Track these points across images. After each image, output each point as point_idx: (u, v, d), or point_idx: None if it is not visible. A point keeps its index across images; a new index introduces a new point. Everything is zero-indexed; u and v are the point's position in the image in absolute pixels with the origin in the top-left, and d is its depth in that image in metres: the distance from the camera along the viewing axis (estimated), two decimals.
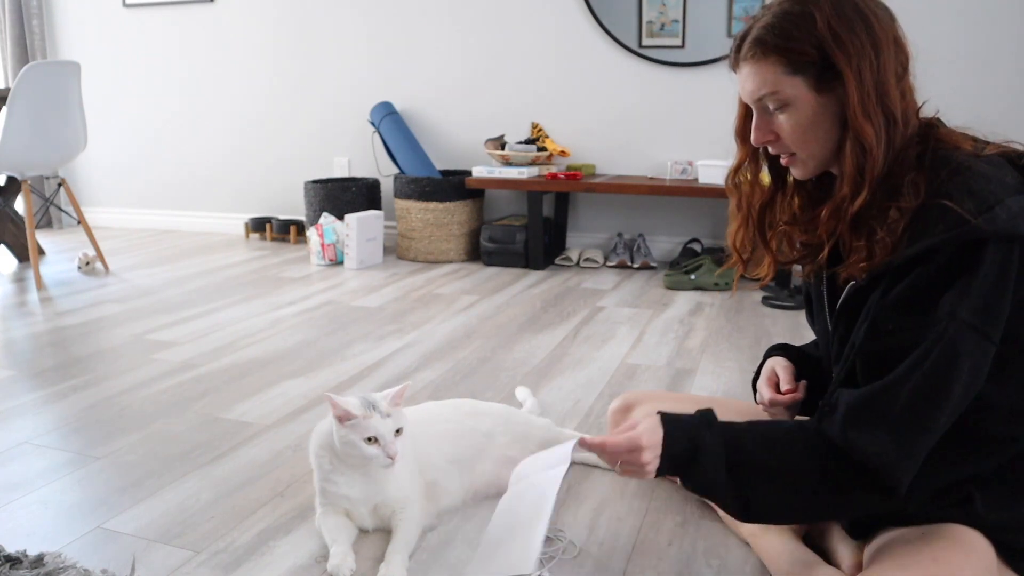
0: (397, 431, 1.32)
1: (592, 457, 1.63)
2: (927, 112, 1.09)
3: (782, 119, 1.08)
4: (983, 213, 0.93)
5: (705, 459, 1.06)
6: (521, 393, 1.97)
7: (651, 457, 1.07)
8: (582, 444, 1.14)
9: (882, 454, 0.98)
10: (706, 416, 1.10)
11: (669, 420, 1.10)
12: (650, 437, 1.08)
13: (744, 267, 1.25)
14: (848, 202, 1.04)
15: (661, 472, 1.09)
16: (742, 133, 1.19)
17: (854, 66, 1.01)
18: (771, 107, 1.08)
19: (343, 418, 1.31)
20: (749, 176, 1.21)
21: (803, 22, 1.02)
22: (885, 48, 1.02)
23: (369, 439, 1.29)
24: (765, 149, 1.17)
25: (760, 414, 1.46)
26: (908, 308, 0.98)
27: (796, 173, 1.14)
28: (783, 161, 1.14)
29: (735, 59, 1.12)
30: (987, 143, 1.06)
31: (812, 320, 1.31)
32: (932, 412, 0.96)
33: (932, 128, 1.07)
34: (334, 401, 1.30)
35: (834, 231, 1.08)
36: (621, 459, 1.09)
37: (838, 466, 1.01)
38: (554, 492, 1.14)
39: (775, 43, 1.04)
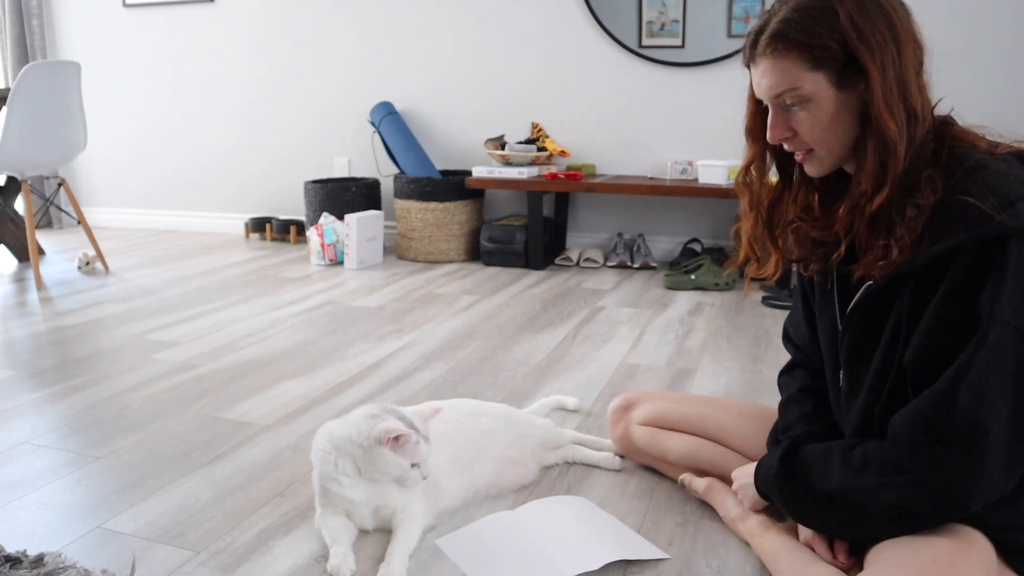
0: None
1: (592, 456, 1.63)
2: (941, 109, 1.08)
3: (801, 115, 1.06)
4: (1006, 209, 0.93)
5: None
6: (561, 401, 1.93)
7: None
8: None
9: (951, 471, 0.97)
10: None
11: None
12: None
13: (758, 265, 1.24)
14: (868, 199, 1.03)
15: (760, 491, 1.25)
16: (754, 130, 1.17)
17: (877, 62, 0.99)
18: (789, 103, 1.06)
19: (396, 443, 1.31)
20: (757, 174, 1.20)
21: (825, 17, 1.01)
22: (905, 43, 1.01)
23: (414, 463, 1.33)
24: (774, 146, 1.15)
25: (755, 411, 1.46)
26: (947, 314, 0.98)
27: (811, 170, 1.12)
28: (798, 158, 1.12)
29: (750, 55, 1.09)
30: (999, 143, 1.05)
31: (810, 318, 1.29)
32: (990, 419, 0.94)
33: (947, 125, 1.06)
34: (403, 433, 1.30)
35: (851, 228, 1.07)
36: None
37: (914, 489, 1.01)
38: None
39: (797, 38, 1.02)
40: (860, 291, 1.10)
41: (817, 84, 1.03)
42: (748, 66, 1.11)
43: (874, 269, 1.04)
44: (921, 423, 0.99)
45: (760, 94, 1.10)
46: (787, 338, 1.41)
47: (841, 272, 1.15)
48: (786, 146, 1.12)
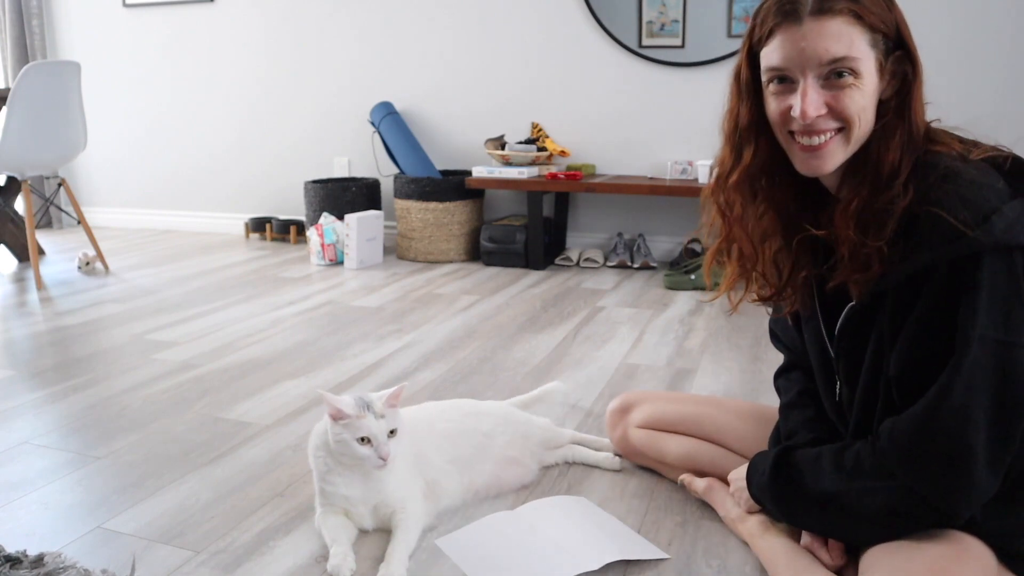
0: (391, 432, 1.32)
1: (592, 457, 1.63)
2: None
3: (846, 90, 1.00)
4: (980, 224, 0.92)
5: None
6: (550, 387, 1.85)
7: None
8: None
9: (940, 485, 0.98)
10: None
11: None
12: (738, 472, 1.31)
13: (750, 281, 1.24)
14: (901, 197, 0.99)
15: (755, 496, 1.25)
16: (757, 123, 1.10)
17: (917, 53, 1.02)
18: (839, 73, 1.00)
19: (336, 417, 1.31)
20: (757, 175, 1.14)
21: (886, 2, 1.02)
22: None
23: (362, 439, 1.30)
24: (766, 150, 1.12)
25: (753, 411, 1.46)
26: (925, 330, 0.98)
27: (826, 162, 1.04)
28: (817, 143, 1.03)
29: (820, 6, 0.98)
30: (975, 146, 1.03)
31: (797, 323, 1.29)
32: (975, 435, 0.95)
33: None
34: (328, 399, 1.30)
35: (863, 211, 1.02)
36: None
37: (905, 494, 1.02)
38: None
39: (871, 9, 0.99)
40: (843, 313, 1.10)
41: (868, 62, 1.00)
42: (800, 22, 0.99)
43: (850, 280, 1.03)
44: (909, 442, 0.99)
45: (803, 57, 0.99)
46: (776, 339, 1.41)
47: (822, 281, 1.13)
48: (810, 126, 1.02)
